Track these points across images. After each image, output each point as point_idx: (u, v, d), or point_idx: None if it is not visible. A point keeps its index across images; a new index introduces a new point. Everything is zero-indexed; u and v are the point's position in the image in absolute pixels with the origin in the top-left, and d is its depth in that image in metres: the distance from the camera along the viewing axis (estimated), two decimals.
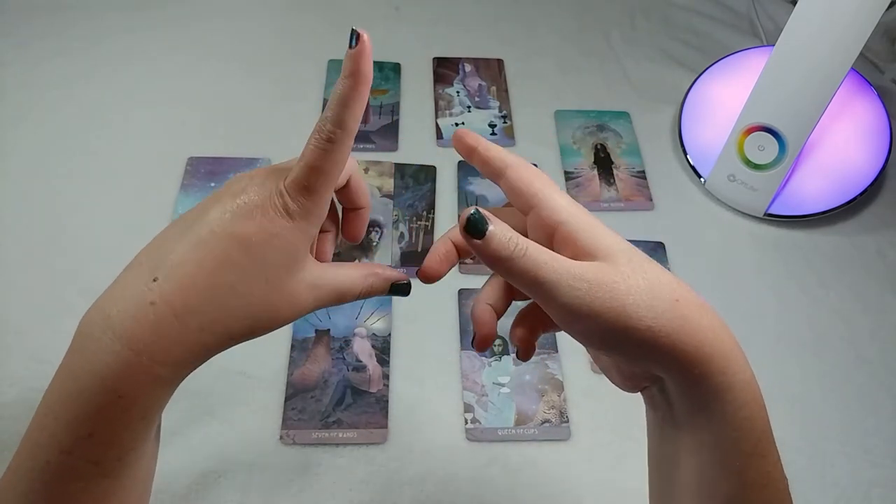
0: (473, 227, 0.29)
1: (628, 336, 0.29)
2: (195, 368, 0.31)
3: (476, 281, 0.62)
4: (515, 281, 0.30)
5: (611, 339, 0.29)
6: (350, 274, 0.34)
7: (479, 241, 0.29)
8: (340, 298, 0.34)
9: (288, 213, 0.30)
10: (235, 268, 0.30)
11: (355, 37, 0.29)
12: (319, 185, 0.31)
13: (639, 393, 0.35)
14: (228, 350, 0.61)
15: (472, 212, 0.29)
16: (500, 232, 0.29)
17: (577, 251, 0.31)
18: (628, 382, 0.34)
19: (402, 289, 0.36)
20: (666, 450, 0.33)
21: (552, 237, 0.32)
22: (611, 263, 0.29)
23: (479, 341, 0.36)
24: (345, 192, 0.38)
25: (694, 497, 0.32)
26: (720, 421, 0.30)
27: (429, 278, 0.35)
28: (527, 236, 0.31)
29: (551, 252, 0.30)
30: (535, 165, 0.70)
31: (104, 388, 0.28)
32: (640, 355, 0.30)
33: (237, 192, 0.31)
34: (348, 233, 0.39)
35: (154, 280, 0.29)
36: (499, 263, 0.29)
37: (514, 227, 0.31)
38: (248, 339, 0.32)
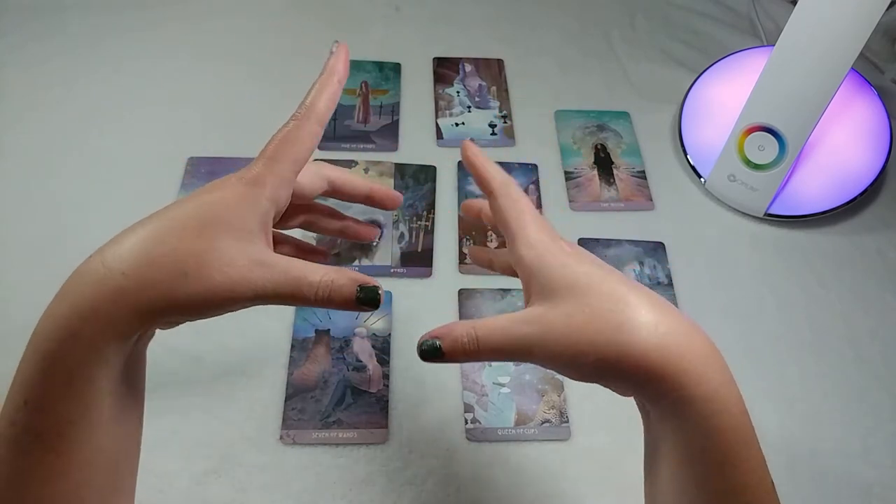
0: (431, 355, 0.33)
1: (580, 370, 0.32)
2: (135, 340, 0.31)
3: (476, 281, 0.62)
4: (490, 361, 0.34)
5: (567, 371, 0.32)
6: (310, 265, 0.32)
7: (443, 361, 0.32)
8: (294, 285, 0.31)
9: (245, 178, 0.33)
10: (166, 220, 0.31)
11: (335, 45, 0.37)
12: (281, 155, 0.33)
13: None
14: (229, 350, 0.61)
15: (421, 345, 0.33)
16: (449, 344, 0.32)
17: (529, 289, 0.34)
18: (619, 393, 0.35)
19: (370, 296, 0.32)
20: (650, 454, 0.34)
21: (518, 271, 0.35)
22: (556, 302, 0.32)
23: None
24: (338, 193, 0.42)
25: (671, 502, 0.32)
26: (686, 431, 0.30)
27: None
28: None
29: (497, 321, 0.32)
30: (535, 166, 0.70)
31: (35, 352, 0.29)
32: (597, 381, 0.32)
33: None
34: (388, 201, 0.45)
35: (103, 263, 0.30)
36: (468, 360, 0.33)
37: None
38: (184, 304, 0.30)
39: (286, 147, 0.33)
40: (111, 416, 0.31)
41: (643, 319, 0.31)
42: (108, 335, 0.29)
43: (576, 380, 0.33)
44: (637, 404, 0.35)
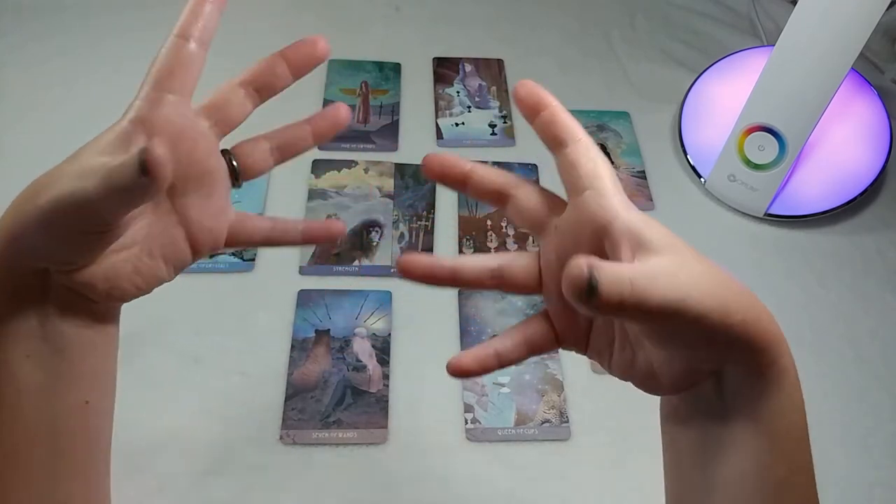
0: (589, 296, 0.24)
1: (726, 331, 0.28)
2: (36, 291, 0.31)
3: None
4: (628, 318, 0.28)
5: (707, 336, 0.28)
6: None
7: (592, 306, 0.24)
8: (106, 172, 0.28)
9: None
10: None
11: None
12: (147, 78, 0.33)
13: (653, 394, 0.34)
14: (229, 350, 0.61)
15: (588, 280, 0.24)
16: (609, 282, 0.24)
17: (641, 246, 0.29)
18: (679, 384, 0.32)
19: (139, 156, 0.26)
20: (706, 446, 0.33)
21: (599, 228, 0.30)
22: (683, 260, 0.29)
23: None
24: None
25: (739, 489, 0.31)
26: (780, 405, 0.30)
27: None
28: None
29: (644, 267, 0.27)
30: (535, 166, 0.69)
31: None
32: (728, 347, 0.29)
33: None
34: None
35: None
36: (612, 311, 0.25)
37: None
38: (35, 221, 0.29)
39: (150, 70, 0.33)
40: (33, 381, 0.32)
41: (748, 289, 0.30)
42: None
43: (690, 351, 0.30)
44: (688, 399, 0.33)
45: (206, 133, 0.34)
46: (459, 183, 0.34)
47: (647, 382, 0.33)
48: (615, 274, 0.24)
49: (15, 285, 0.31)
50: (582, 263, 0.24)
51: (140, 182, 0.26)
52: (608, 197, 0.30)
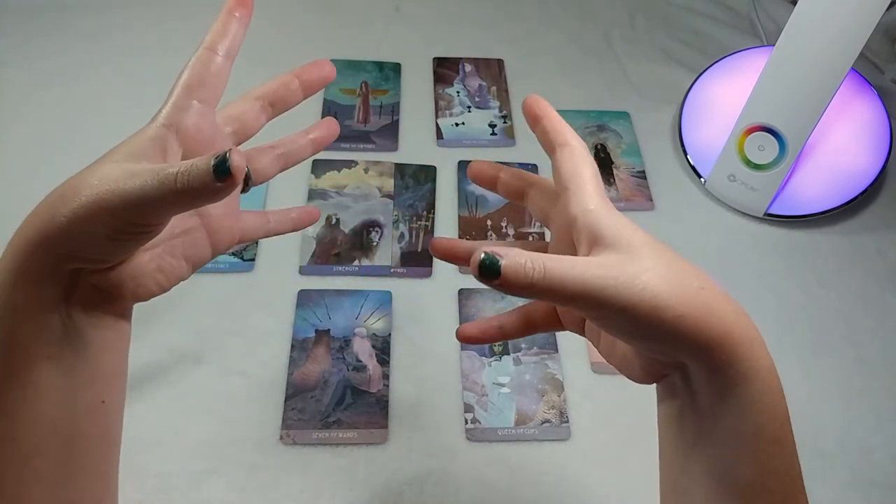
0: (488, 271, 0.28)
1: (659, 326, 0.29)
2: (59, 292, 0.31)
3: (476, 281, 0.62)
4: (547, 300, 0.30)
5: (642, 329, 0.29)
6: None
7: (497, 282, 0.28)
8: (159, 179, 0.28)
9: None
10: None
11: None
12: (175, 86, 0.34)
13: (653, 385, 0.35)
14: (229, 350, 0.61)
15: (481, 257, 0.28)
16: (512, 263, 0.27)
17: (596, 240, 0.31)
18: (648, 372, 0.34)
19: (220, 161, 0.27)
20: (684, 440, 0.33)
21: (570, 223, 0.33)
22: (633, 255, 0.30)
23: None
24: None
25: (712, 485, 0.31)
26: (745, 406, 0.30)
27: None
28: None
29: (569, 258, 0.29)
30: (535, 166, 0.69)
31: None
32: (669, 343, 0.30)
33: None
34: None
35: None
36: (523, 292, 0.28)
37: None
38: (63, 224, 0.30)
39: (179, 78, 0.35)
40: (53, 382, 0.32)
41: (715, 287, 0.31)
42: (17, 280, 0.31)
43: (636, 340, 0.31)
44: (667, 390, 0.34)
45: (228, 140, 0.37)
46: (491, 183, 0.40)
47: (624, 367, 0.35)
48: (521, 260, 0.28)
49: (41, 288, 0.31)
50: (483, 250, 0.28)
51: (213, 187, 0.27)
52: (581, 195, 0.33)
